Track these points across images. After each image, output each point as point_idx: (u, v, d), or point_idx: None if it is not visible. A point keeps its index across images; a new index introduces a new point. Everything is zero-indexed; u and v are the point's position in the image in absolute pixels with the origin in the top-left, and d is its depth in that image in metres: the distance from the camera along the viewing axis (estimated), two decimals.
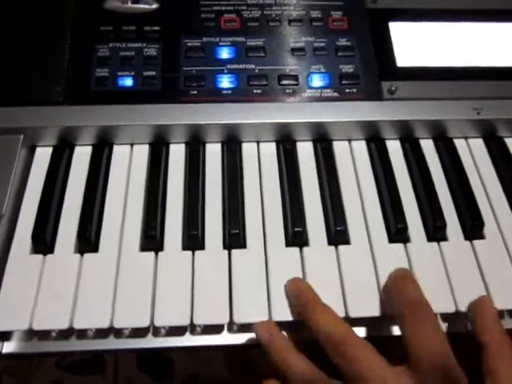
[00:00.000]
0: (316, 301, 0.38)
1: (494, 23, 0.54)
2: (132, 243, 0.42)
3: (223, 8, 0.53)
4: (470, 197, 0.46)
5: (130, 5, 0.51)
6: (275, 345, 0.37)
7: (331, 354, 0.35)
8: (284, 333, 0.39)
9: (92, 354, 0.87)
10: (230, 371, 0.88)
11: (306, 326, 0.38)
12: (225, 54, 0.50)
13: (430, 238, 0.44)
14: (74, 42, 0.49)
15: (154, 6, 0.52)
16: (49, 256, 0.41)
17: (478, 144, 0.51)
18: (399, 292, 0.38)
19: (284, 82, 0.49)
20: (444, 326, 0.41)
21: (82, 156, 0.48)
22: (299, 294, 0.39)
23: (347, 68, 0.50)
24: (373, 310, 0.40)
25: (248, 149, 0.49)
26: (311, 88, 0.49)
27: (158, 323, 0.38)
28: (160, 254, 0.42)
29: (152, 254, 0.41)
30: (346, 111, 0.48)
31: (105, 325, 0.38)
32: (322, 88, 0.49)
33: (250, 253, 0.42)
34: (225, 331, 0.40)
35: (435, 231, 0.44)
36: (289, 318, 0.39)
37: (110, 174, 0.47)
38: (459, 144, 0.50)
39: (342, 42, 0.51)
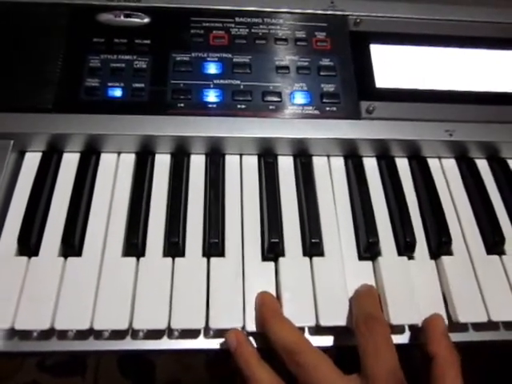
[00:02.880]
0: (275, 313, 0.40)
1: (470, 49, 0.57)
2: (115, 249, 0.44)
3: (212, 25, 0.55)
4: (440, 214, 0.48)
5: (122, 18, 0.53)
6: (241, 353, 0.39)
7: (288, 364, 0.37)
8: (254, 342, 0.41)
9: (72, 355, 0.87)
10: (212, 378, 0.89)
11: (266, 336, 0.40)
12: (212, 69, 0.52)
13: (400, 253, 0.46)
14: (66, 52, 0.51)
15: (146, 20, 0.53)
16: (33, 258, 0.42)
17: (451, 164, 0.53)
18: (358, 307, 0.41)
19: (268, 98, 0.51)
20: (414, 336, 0.43)
21: (69, 162, 0.49)
22: (262, 306, 0.41)
23: (328, 87, 0.52)
24: (342, 319, 0.41)
25: (231, 161, 0.51)
26: (293, 105, 0.51)
27: (136, 326, 0.40)
28: (141, 259, 0.43)
29: (133, 259, 0.43)
30: (325, 128, 0.50)
31: (85, 326, 0.39)
32: (303, 105, 0.51)
33: (228, 261, 0.44)
34: (201, 336, 0.42)
35: (405, 246, 0.46)
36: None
37: (96, 180, 0.48)
38: (432, 163, 0.53)
39: (325, 62, 0.54)
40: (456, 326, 0.43)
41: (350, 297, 0.42)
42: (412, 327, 0.43)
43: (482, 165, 0.53)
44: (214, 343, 0.42)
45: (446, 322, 0.42)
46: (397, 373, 0.36)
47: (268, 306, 0.41)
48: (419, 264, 0.45)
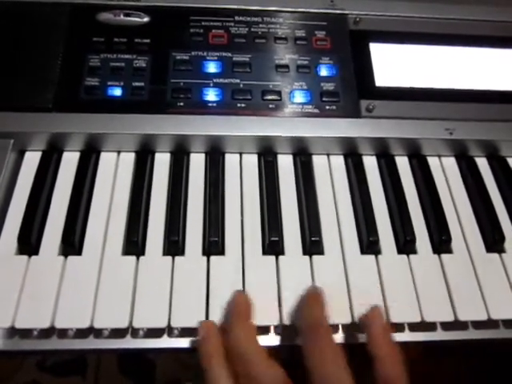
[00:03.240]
0: (244, 316, 0.39)
1: (470, 47, 0.57)
2: (115, 247, 0.44)
3: (212, 24, 0.55)
4: (440, 212, 0.48)
5: (121, 18, 0.53)
6: (205, 345, 0.38)
7: (238, 371, 0.36)
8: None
9: (72, 354, 0.87)
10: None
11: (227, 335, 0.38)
12: (212, 68, 0.52)
13: (400, 251, 0.46)
14: (66, 52, 0.51)
15: (145, 19, 0.54)
16: (33, 257, 0.43)
17: (450, 162, 0.53)
18: (303, 314, 0.40)
19: (267, 97, 0.51)
20: (414, 334, 0.44)
21: (69, 161, 0.49)
22: (233, 305, 0.40)
23: (328, 86, 0.52)
24: (343, 317, 0.41)
25: (231, 160, 0.51)
26: (293, 104, 0.51)
27: (136, 325, 0.40)
28: (141, 258, 0.43)
29: (133, 258, 0.43)
30: (325, 127, 0.50)
31: (85, 325, 0.39)
32: (303, 104, 0.51)
33: (228, 260, 0.44)
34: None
35: (405, 244, 0.46)
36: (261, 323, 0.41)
37: (96, 179, 0.48)
38: (432, 162, 0.53)
39: (325, 60, 0.54)
40: (456, 324, 0.43)
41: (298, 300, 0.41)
42: (412, 325, 0.43)
43: (482, 163, 0.53)
44: None
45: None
46: (342, 378, 0.35)
47: (239, 308, 0.40)
48: (421, 260, 0.45)
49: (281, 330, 0.42)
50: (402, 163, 0.52)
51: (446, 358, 0.69)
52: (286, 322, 0.41)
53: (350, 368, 0.36)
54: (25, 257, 0.42)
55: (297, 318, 0.40)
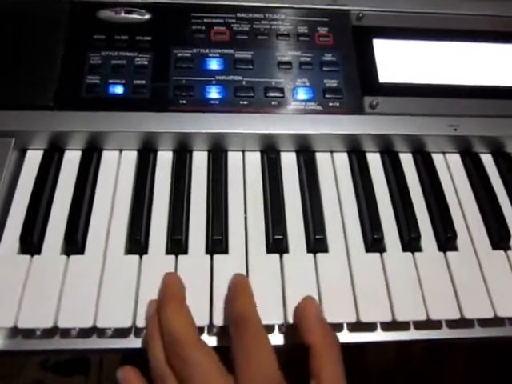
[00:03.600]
0: (175, 298, 0.39)
1: (474, 43, 0.56)
2: (117, 246, 0.44)
3: (214, 20, 0.54)
4: (445, 209, 0.48)
5: (122, 15, 0.53)
6: (147, 325, 0.38)
7: (169, 353, 0.36)
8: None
9: (75, 353, 0.87)
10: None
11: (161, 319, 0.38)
12: (214, 65, 0.52)
13: (405, 248, 0.46)
14: (67, 49, 0.51)
15: (147, 16, 0.53)
16: (36, 257, 0.42)
17: (455, 159, 0.53)
18: (229, 307, 0.39)
19: (270, 94, 0.51)
20: (419, 332, 0.43)
21: (71, 160, 0.49)
22: (166, 287, 0.40)
23: (331, 82, 0.52)
24: (348, 315, 0.41)
25: (233, 157, 0.51)
26: (296, 101, 0.51)
27: (139, 324, 0.39)
28: (144, 257, 0.43)
29: (136, 257, 0.43)
30: (328, 124, 0.50)
31: (88, 324, 0.39)
32: (306, 101, 0.51)
33: (232, 258, 0.44)
34: (205, 333, 0.42)
35: (410, 242, 0.46)
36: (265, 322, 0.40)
37: (98, 178, 0.48)
38: (437, 158, 0.52)
39: (327, 57, 0.53)
40: (462, 322, 0.43)
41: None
42: (417, 323, 0.43)
43: (487, 160, 0.53)
44: (218, 340, 0.41)
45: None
46: (269, 375, 0.34)
47: (170, 289, 0.39)
48: (426, 258, 0.45)
49: (285, 328, 0.42)
50: (406, 160, 0.52)
51: (450, 357, 0.68)
52: (291, 320, 0.40)
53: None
54: (27, 256, 0.42)
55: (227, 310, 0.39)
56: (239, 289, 0.40)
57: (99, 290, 0.41)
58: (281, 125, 0.50)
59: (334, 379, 0.35)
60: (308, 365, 0.36)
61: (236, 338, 0.36)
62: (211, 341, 0.41)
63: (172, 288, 0.40)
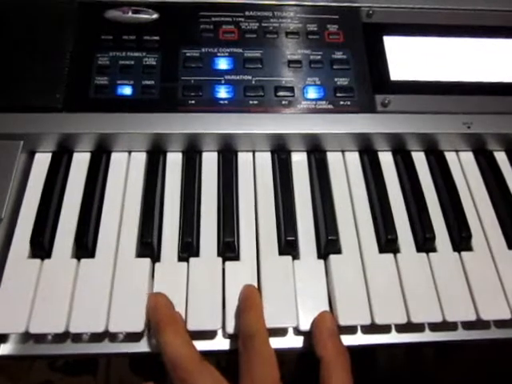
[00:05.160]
0: (169, 320, 0.38)
1: (486, 39, 0.55)
2: (128, 249, 0.43)
3: (222, 19, 0.54)
4: (459, 209, 0.47)
5: (130, 15, 0.52)
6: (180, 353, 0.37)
7: (173, 379, 0.35)
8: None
9: (86, 358, 0.87)
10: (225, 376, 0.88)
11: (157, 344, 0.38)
12: (223, 64, 0.51)
13: (419, 249, 0.45)
14: (74, 50, 0.50)
15: (154, 16, 0.53)
16: (46, 261, 0.42)
17: (468, 157, 0.52)
18: (240, 319, 0.38)
19: (280, 93, 0.50)
20: (435, 334, 0.42)
21: (80, 162, 0.49)
22: (155, 310, 0.39)
23: (342, 81, 0.51)
24: (363, 318, 0.41)
25: (243, 158, 0.50)
26: (306, 100, 0.50)
27: None
28: (157, 264, 0.42)
29: (148, 260, 0.42)
30: (339, 123, 0.49)
31: (100, 329, 0.39)
32: (316, 100, 0.50)
33: (244, 260, 0.43)
34: (218, 337, 0.41)
35: (424, 242, 0.45)
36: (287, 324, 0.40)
37: (107, 180, 0.47)
38: (450, 157, 0.52)
39: (338, 55, 0.53)
40: (478, 324, 0.42)
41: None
42: (432, 325, 0.42)
43: (501, 158, 0.52)
44: (230, 344, 0.41)
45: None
46: None
47: (162, 311, 0.38)
48: (441, 259, 0.44)
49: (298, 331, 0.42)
50: (419, 159, 0.51)
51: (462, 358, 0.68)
52: (304, 324, 0.40)
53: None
54: (37, 260, 0.42)
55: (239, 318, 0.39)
56: (248, 304, 0.39)
57: (110, 293, 0.40)
58: (291, 124, 0.49)
59: None
60: (319, 376, 0.36)
61: (242, 353, 0.37)
62: (222, 345, 0.41)
63: (164, 310, 0.39)
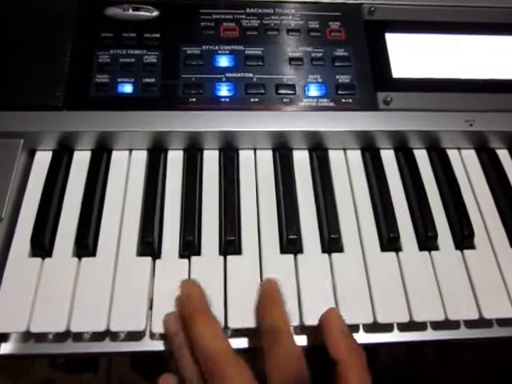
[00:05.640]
0: (201, 311, 0.38)
1: (488, 36, 0.55)
2: (129, 248, 0.43)
3: (223, 17, 0.53)
4: (462, 207, 0.47)
5: (130, 12, 0.52)
6: (175, 340, 0.37)
7: (203, 368, 0.35)
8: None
9: (87, 356, 0.87)
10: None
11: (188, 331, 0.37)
12: (223, 62, 0.51)
13: (421, 247, 0.45)
14: (75, 48, 0.50)
15: (155, 13, 0.52)
16: (47, 260, 0.42)
17: (471, 155, 0.52)
18: (260, 320, 0.38)
19: (281, 91, 0.50)
20: (437, 333, 0.42)
21: (81, 161, 0.48)
22: (188, 299, 0.39)
23: (343, 78, 0.51)
24: (365, 317, 0.40)
25: (245, 156, 0.50)
26: (308, 97, 0.50)
27: (154, 328, 0.39)
28: (157, 261, 0.42)
29: (149, 259, 0.42)
30: (341, 121, 0.49)
31: (101, 328, 0.38)
32: (318, 98, 0.50)
33: (246, 259, 0.43)
34: None
35: (426, 240, 0.45)
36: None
37: (108, 178, 0.47)
38: (452, 154, 0.51)
39: (339, 52, 0.52)
40: (480, 322, 0.42)
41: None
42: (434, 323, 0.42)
43: (504, 155, 0.52)
44: (238, 342, 0.41)
45: None
46: None
47: (195, 301, 0.38)
48: (443, 257, 0.44)
49: (300, 329, 0.41)
50: (421, 156, 0.51)
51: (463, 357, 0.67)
52: (307, 321, 0.40)
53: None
54: (38, 259, 0.42)
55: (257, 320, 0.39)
56: (270, 298, 0.39)
57: (112, 292, 0.40)
58: (293, 122, 0.49)
59: None
60: (335, 377, 0.36)
61: (268, 351, 0.36)
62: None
63: (196, 300, 0.39)
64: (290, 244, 0.44)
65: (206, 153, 0.50)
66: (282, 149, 0.50)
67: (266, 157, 0.50)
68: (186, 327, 0.37)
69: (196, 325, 0.36)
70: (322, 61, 0.52)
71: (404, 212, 0.47)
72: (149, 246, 0.43)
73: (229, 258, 0.43)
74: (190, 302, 0.39)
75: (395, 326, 0.42)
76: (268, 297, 0.39)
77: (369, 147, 0.51)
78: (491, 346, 0.57)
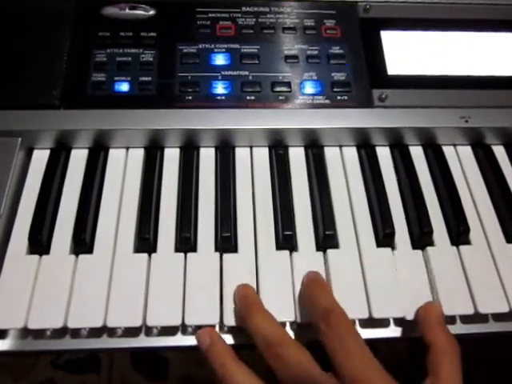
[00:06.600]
0: (258, 306, 0.39)
1: (483, 33, 0.55)
2: (126, 245, 0.43)
3: (219, 15, 0.54)
4: (457, 203, 0.47)
5: (127, 11, 0.52)
6: (216, 352, 0.38)
7: (267, 358, 0.36)
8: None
9: (85, 353, 0.87)
10: None
11: (246, 330, 0.38)
12: (220, 60, 0.51)
13: (416, 243, 0.45)
14: (71, 47, 0.50)
15: (151, 12, 0.53)
16: (45, 256, 0.42)
17: (466, 151, 0.52)
18: (311, 302, 0.39)
19: (277, 88, 0.50)
20: None
21: (78, 159, 0.49)
22: (243, 298, 0.40)
23: (339, 76, 0.51)
24: (361, 312, 0.41)
25: (241, 154, 0.50)
26: (304, 95, 0.50)
27: (150, 323, 0.39)
28: (153, 255, 0.43)
29: (145, 255, 0.42)
30: (337, 118, 0.49)
31: (98, 324, 0.39)
32: (314, 95, 0.50)
33: (241, 255, 0.43)
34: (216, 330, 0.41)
35: (422, 236, 0.45)
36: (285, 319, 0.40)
37: (105, 176, 0.48)
38: (448, 151, 0.51)
39: (335, 50, 0.53)
40: (476, 317, 0.42)
41: (300, 290, 0.41)
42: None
43: (500, 151, 0.52)
44: (228, 338, 0.41)
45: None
46: (376, 367, 0.34)
47: (250, 299, 0.40)
48: (439, 253, 0.44)
49: (296, 326, 0.42)
50: (417, 153, 0.51)
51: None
52: (302, 318, 0.40)
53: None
54: (36, 256, 0.42)
55: (307, 308, 0.39)
56: (319, 285, 0.40)
57: (109, 289, 0.40)
58: (289, 119, 0.49)
59: (453, 380, 0.35)
60: (426, 362, 0.36)
61: (330, 335, 0.35)
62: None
63: (252, 297, 0.40)
64: (286, 240, 0.44)
65: (202, 150, 0.50)
66: (278, 146, 0.50)
67: (263, 154, 0.50)
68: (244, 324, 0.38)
69: (254, 317, 0.38)
70: (317, 58, 0.52)
71: (399, 208, 0.47)
72: (145, 242, 0.43)
73: (224, 254, 0.43)
74: (247, 299, 0.40)
75: (391, 321, 0.43)
76: (315, 284, 0.40)
77: (364, 144, 0.51)
78: (487, 342, 0.57)
